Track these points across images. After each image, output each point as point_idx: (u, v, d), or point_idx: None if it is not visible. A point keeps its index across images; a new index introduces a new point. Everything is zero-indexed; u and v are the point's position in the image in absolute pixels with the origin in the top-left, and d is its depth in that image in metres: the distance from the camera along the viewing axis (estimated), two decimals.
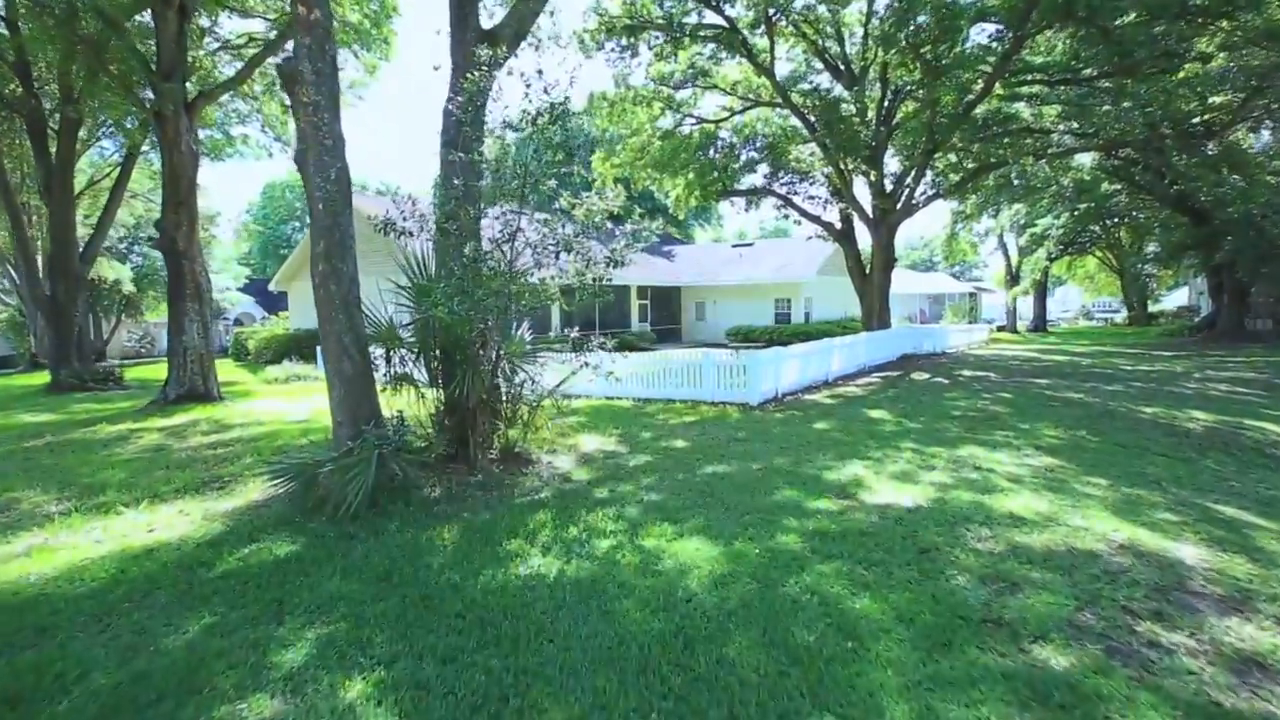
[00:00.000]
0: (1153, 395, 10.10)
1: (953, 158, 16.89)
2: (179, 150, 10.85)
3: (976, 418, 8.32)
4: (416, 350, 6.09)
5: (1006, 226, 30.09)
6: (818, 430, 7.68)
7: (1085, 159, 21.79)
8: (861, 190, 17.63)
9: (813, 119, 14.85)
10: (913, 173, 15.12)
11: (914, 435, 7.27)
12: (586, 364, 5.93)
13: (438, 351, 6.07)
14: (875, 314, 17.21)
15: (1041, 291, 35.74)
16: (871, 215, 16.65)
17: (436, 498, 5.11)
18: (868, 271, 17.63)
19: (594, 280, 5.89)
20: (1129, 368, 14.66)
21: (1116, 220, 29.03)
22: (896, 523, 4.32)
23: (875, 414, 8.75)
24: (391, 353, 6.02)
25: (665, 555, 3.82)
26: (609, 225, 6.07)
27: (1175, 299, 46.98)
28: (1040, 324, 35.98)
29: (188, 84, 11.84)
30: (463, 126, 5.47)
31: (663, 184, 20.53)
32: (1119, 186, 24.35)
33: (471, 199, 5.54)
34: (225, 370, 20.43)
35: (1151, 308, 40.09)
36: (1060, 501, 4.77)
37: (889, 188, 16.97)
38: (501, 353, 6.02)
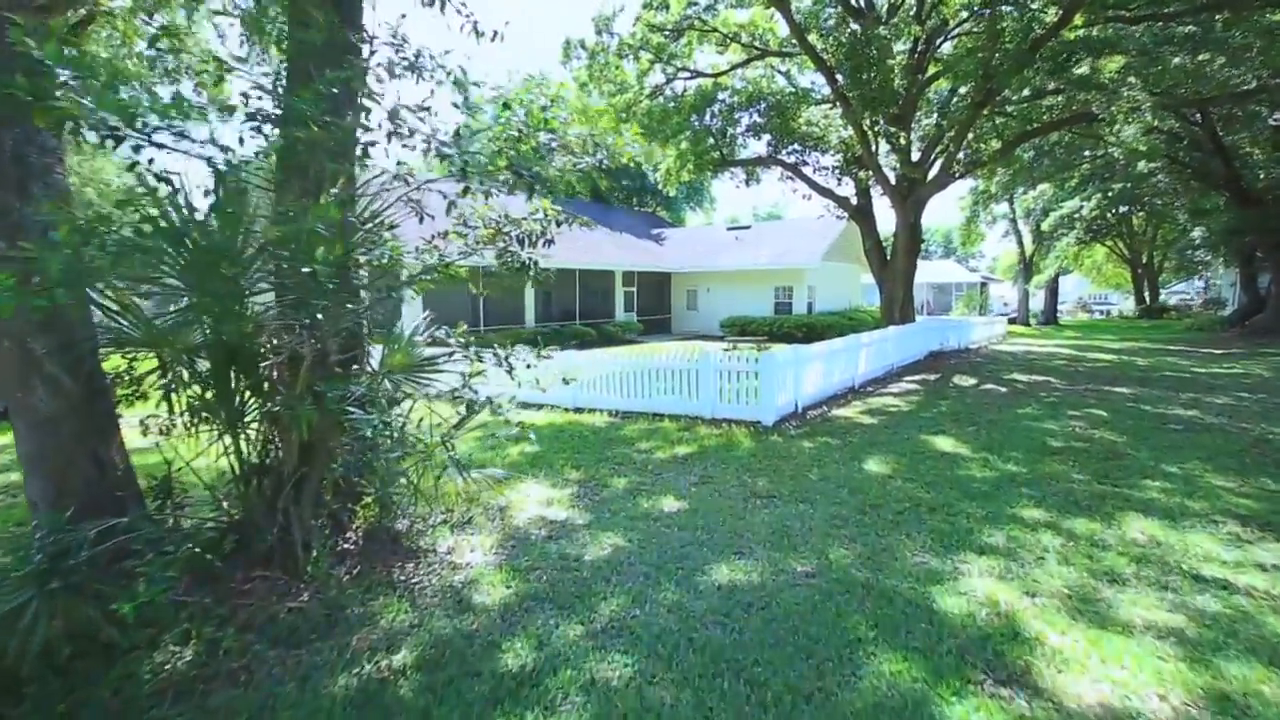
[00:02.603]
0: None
1: (985, 124, 14.35)
2: None
3: (1090, 453, 5.86)
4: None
5: (1026, 210, 27.68)
6: (876, 477, 5.16)
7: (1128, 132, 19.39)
8: (882, 160, 15.06)
9: (833, 65, 12.22)
10: (951, 132, 12.55)
11: (1026, 489, 4.78)
12: (487, 404, 3.32)
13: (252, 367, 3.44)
14: (899, 305, 14.73)
15: (1054, 282, 33.63)
16: (895, 187, 14.10)
17: (178, 669, 2.52)
18: (889, 256, 15.14)
19: (518, 234, 3.29)
20: (1201, 370, 12.35)
21: (1144, 203, 26.79)
22: None
23: (944, 444, 6.26)
24: (172, 371, 3.38)
25: None
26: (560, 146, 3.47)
27: (1178, 291, 45.18)
28: (1051, 316, 33.92)
29: None
30: None
31: (651, 154, 17.87)
32: (1157, 165, 21.99)
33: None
34: None
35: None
36: None
37: (915, 156, 14.41)
38: (331, 370, 3.41)
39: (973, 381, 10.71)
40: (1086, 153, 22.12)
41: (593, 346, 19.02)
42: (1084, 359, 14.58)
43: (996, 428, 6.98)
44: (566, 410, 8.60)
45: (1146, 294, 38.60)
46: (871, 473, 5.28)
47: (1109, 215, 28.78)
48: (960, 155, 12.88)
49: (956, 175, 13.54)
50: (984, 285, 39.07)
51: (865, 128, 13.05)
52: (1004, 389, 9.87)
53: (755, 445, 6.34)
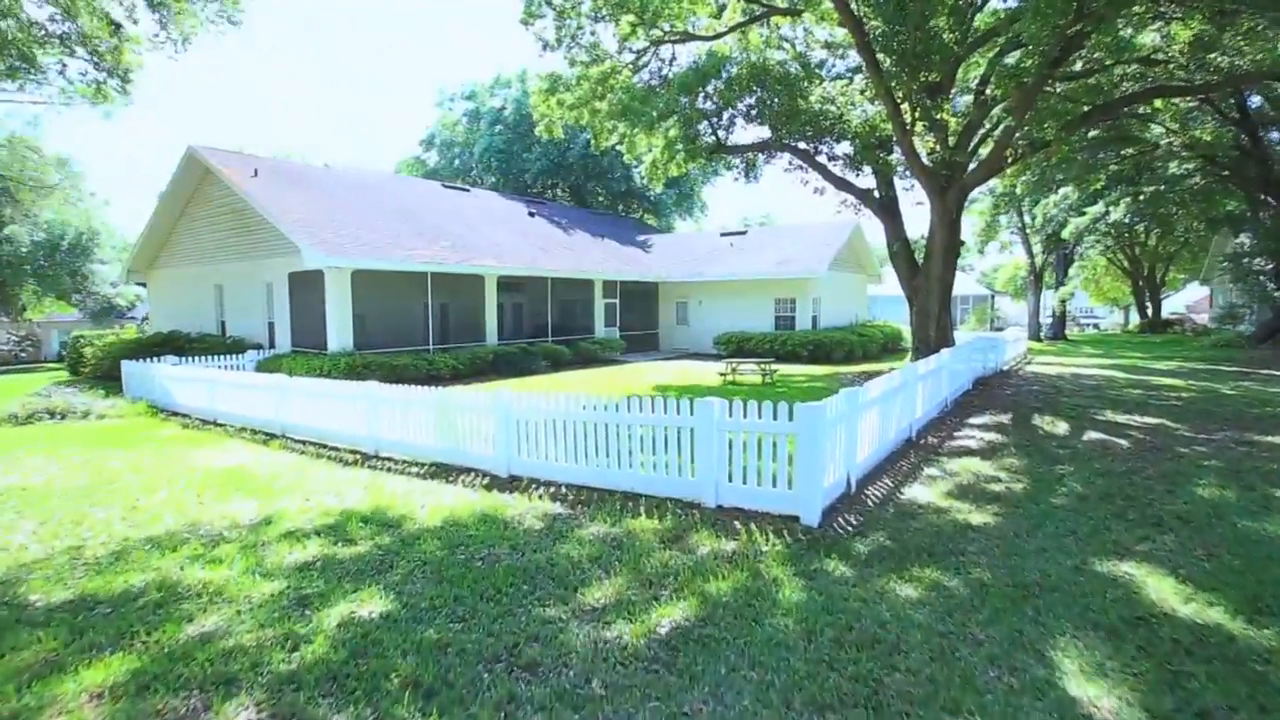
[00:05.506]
0: None
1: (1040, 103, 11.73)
2: None
3: None
4: None
5: (1045, 216, 25.31)
6: None
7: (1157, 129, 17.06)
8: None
9: (862, 12, 9.53)
10: (1009, 101, 9.85)
11: None
12: None
13: None
14: (934, 320, 11.97)
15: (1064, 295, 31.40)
16: (931, 174, 11.39)
17: None
18: (924, 259, 12.41)
19: None
20: None
21: (1155, 211, 24.58)
22: None
23: (1163, 591, 3.34)
24: None
25: None
26: None
27: (1172, 304, 43.38)
28: (1059, 332, 31.69)
29: None
30: None
31: (633, 144, 15.04)
32: (1193, 165, 19.79)
33: None
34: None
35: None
36: None
37: (949, 140, 11.76)
38: None
39: (1063, 427, 7.87)
40: (1113, 151, 19.92)
41: (567, 368, 15.97)
42: (1150, 385, 11.89)
43: (1204, 535, 4.09)
44: (490, 486, 5.58)
45: (1149, 307, 36.64)
46: None
47: (1110, 223, 26.61)
48: (1017, 133, 10.17)
49: (1012, 158, 10.86)
50: (993, 298, 36.76)
51: (898, 98, 10.35)
52: (1120, 440, 7.03)
53: (805, 596, 3.35)
